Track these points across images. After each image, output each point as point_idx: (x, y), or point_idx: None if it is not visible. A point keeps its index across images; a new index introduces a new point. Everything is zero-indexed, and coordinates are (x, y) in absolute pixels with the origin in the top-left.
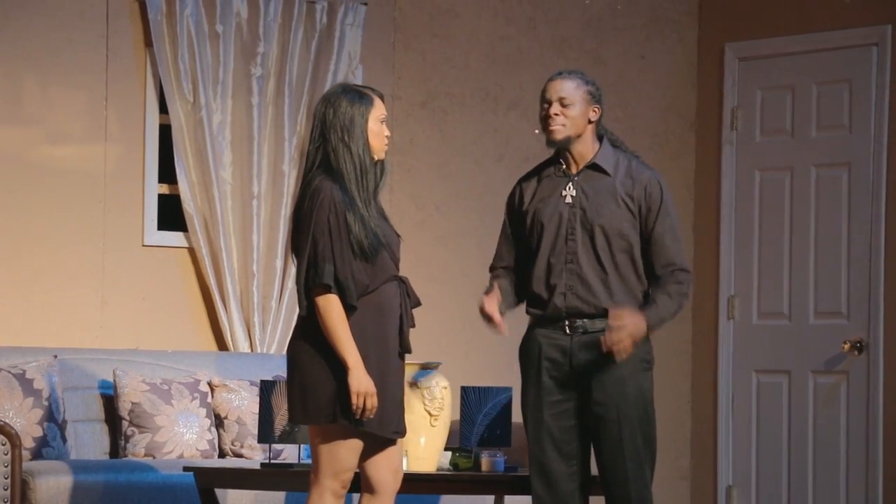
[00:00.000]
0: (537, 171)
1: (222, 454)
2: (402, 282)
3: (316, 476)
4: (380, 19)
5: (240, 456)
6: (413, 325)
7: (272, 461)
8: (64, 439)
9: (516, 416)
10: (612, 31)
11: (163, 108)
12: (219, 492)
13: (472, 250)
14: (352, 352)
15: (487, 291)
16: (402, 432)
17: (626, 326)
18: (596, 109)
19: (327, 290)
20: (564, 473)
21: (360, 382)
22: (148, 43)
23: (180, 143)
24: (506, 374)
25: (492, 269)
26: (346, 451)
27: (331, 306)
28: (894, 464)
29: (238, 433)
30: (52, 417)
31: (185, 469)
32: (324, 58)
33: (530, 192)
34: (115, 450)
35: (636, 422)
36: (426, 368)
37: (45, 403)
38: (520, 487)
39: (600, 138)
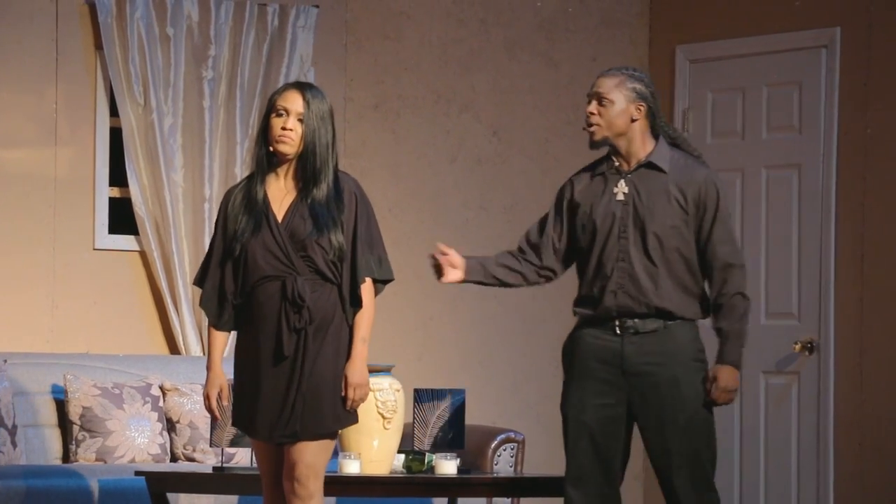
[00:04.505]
0: (591, 168)
1: (174, 458)
2: (285, 282)
3: None
4: (331, 22)
5: (192, 460)
6: (296, 327)
7: (224, 465)
8: (14, 444)
9: (469, 418)
10: (563, 34)
11: (113, 112)
12: (186, 496)
13: (425, 252)
14: (208, 353)
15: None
16: (284, 436)
17: (720, 386)
18: (640, 107)
19: None
20: (600, 477)
21: (205, 383)
22: (98, 46)
23: (131, 147)
24: (459, 376)
25: (518, 246)
26: (255, 453)
27: None
28: (845, 464)
29: (190, 437)
30: (2, 422)
31: (137, 474)
32: (275, 60)
33: (582, 188)
34: (66, 455)
35: (697, 423)
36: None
37: None
38: (473, 490)
39: (656, 136)
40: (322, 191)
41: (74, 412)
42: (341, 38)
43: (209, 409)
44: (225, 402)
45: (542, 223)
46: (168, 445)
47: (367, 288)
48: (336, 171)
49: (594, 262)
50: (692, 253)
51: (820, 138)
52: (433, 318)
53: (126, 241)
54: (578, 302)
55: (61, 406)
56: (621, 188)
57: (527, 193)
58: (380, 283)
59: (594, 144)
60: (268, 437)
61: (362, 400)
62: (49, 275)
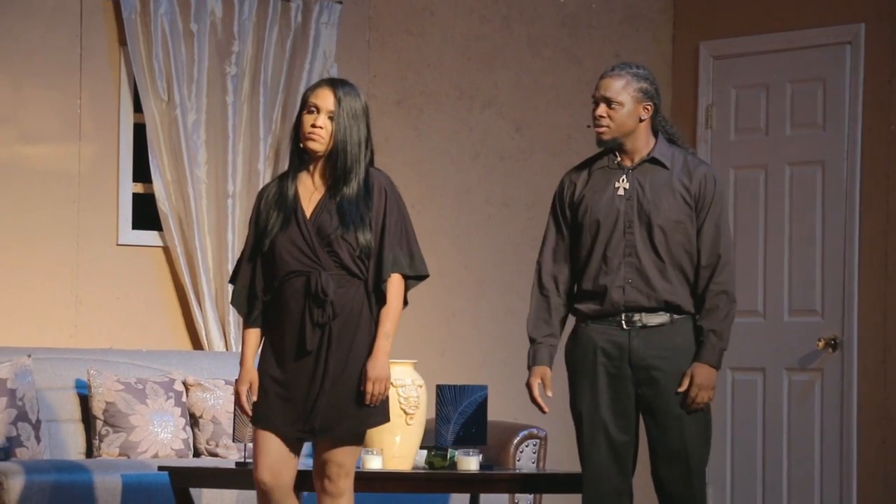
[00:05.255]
0: (587, 164)
1: (197, 453)
2: (309, 277)
3: None
4: (355, 18)
5: (215, 455)
6: (318, 322)
7: (247, 460)
8: (38, 439)
9: (492, 414)
10: (586, 30)
11: (137, 107)
12: (209, 491)
13: (448, 248)
14: (241, 350)
15: (533, 364)
16: (305, 432)
17: (698, 386)
18: (648, 107)
19: None
20: (616, 473)
21: (236, 379)
22: (122, 41)
23: (155, 142)
24: (481, 373)
25: (541, 286)
26: (254, 448)
27: None
28: (868, 462)
29: (213, 432)
30: (26, 417)
31: (160, 469)
32: (299, 56)
33: (581, 185)
34: (90, 450)
35: (699, 418)
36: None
37: (20, 403)
38: (495, 486)
39: (656, 132)
40: (352, 189)
41: (98, 407)
42: (364, 35)
43: (239, 404)
44: (255, 398)
45: (556, 245)
46: (191, 440)
47: (394, 283)
48: (368, 168)
49: (598, 257)
50: (694, 248)
51: (844, 135)
52: (456, 314)
53: (149, 237)
54: (579, 298)
55: (85, 401)
56: (623, 183)
57: (549, 190)
58: (413, 279)
59: (603, 144)
60: (287, 431)
61: (382, 395)
62: (73, 270)
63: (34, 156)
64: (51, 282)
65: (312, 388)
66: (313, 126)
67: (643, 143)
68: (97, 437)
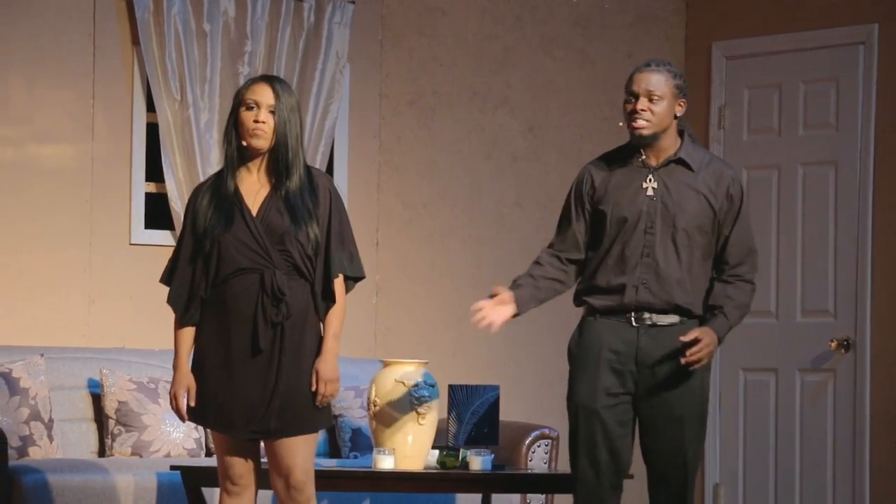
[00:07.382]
0: (609, 159)
1: (209, 453)
2: (263, 275)
3: None
4: (367, 18)
5: None
6: (272, 321)
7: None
8: (51, 438)
9: (504, 414)
10: (599, 30)
11: (150, 107)
12: (217, 490)
13: (459, 249)
14: (175, 351)
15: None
16: (258, 432)
17: (706, 346)
18: (682, 104)
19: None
20: (611, 468)
21: (172, 383)
22: (135, 41)
23: (167, 142)
24: (493, 373)
25: (551, 253)
26: (216, 447)
27: None
28: (881, 462)
29: None
30: (39, 416)
31: (173, 468)
32: (311, 56)
33: (602, 179)
34: (102, 449)
35: (697, 417)
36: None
37: (32, 402)
38: (507, 486)
39: (681, 133)
40: (295, 182)
41: (110, 407)
42: (377, 35)
43: (176, 409)
44: (192, 403)
45: (564, 226)
46: (203, 440)
47: (338, 284)
48: (307, 163)
49: (616, 254)
50: (712, 251)
51: (857, 135)
52: (468, 314)
53: (162, 237)
54: (590, 291)
55: (97, 400)
56: (650, 183)
57: (561, 190)
58: (351, 280)
59: (641, 139)
60: (240, 432)
61: (332, 396)
62: (85, 270)
63: (47, 156)
64: (63, 281)
65: (266, 388)
66: (256, 122)
67: (671, 142)
68: (109, 437)
